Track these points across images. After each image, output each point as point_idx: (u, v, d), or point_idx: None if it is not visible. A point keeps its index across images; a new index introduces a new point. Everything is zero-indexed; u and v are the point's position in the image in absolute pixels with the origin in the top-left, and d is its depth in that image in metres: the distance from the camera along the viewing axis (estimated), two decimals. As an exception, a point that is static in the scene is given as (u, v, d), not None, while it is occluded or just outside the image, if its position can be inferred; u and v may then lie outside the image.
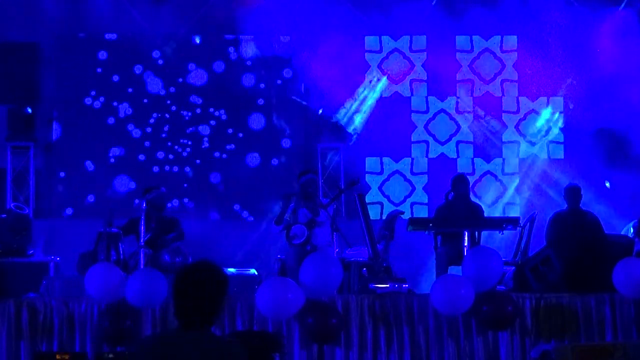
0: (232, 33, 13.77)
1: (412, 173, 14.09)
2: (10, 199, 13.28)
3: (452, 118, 14.14)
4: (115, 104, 13.81)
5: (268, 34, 13.51)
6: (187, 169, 13.85)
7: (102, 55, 13.81)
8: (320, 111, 13.67)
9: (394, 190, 14.04)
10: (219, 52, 13.97)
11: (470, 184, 12.05)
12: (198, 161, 13.88)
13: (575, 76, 13.80)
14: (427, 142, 14.13)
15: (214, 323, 4.46)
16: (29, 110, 13.22)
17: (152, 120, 13.86)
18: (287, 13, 13.24)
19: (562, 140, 14.11)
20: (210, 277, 4.44)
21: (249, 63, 13.87)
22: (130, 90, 13.85)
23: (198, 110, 13.92)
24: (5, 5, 13.38)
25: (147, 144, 13.83)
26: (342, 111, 13.65)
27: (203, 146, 13.90)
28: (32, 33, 13.49)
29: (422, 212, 13.74)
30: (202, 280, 4.42)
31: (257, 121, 13.94)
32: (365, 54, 14.03)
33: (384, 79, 13.93)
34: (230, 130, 13.92)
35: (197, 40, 13.93)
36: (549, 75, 13.84)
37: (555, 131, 13.95)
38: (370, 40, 14.05)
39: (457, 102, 14.02)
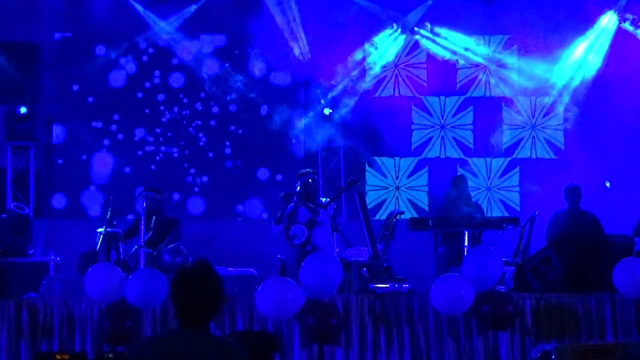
0: (235, 32, 13.75)
1: (412, 173, 14.09)
2: (10, 199, 13.28)
3: (451, 117, 14.16)
4: (115, 103, 13.83)
5: (273, 34, 13.51)
6: (187, 165, 13.87)
7: (102, 55, 13.82)
8: (328, 112, 13.66)
9: (393, 191, 14.04)
10: (223, 50, 13.96)
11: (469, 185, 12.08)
12: (199, 160, 13.88)
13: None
14: (427, 142, 14.14)
15: (211, 322, 4.46)
16: (29, 110, 13.22)
17: (153, 119, 13.87)
18: (290, 13, 13.27)
19: (562, 140, 14.13)
20: (209, 277, 4.43)
21: (253, 64, 13.86)
22: (130, 89, 13.87)
23: (199, 108, 13.93)
24: (5, 5, 13.37)
25: (148, 142, 13.84)
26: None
27: (204, 145, 13.91)
28: (32, 33, 13.49)
29: (422, 213, 13.74)
30: (201, 279, 4.41)
31: (259, 120, 13.95)
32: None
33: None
34: (232, 128, 13.92)
35: (200, 39, 13.93)
36: (550, 74, 13.86)
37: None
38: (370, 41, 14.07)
39: None
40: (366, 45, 13.93)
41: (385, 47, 13.96)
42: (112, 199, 11.13)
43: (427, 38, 13.99)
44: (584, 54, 13.84)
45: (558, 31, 13.63)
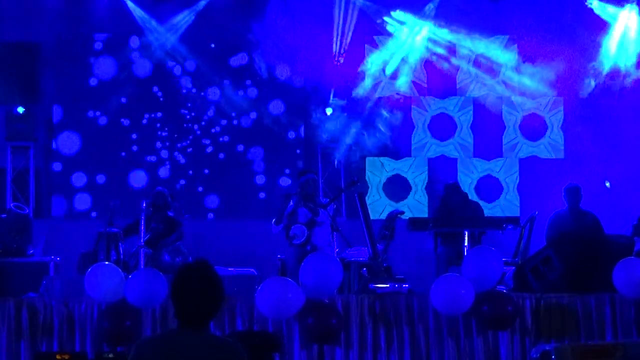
0: (239, 33, 13.74)
1: (412, 173, 14.09)
2: (10, 199, 13.28)
3: (452, 118, 14.16)
4: (115, 103, 13.84)
5: (276, 37, 13.52)
6: (185, 164, 13.88)
7: (102, 55, 13.82)
8: (329, 112, 13.66)
9: (394, 190, 14.05)
10: (225, 51, 13.96)
11: (464, 189, 12.08)
12: (199, 161, 13.89)
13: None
14: (427, 142, 14.14)
15: (211, 322, 4.46)
16: (28, 110, 13.22)
17: (154, 119, 13.87)
18: (293, 16, 13.29)
19: (562, 140, 14.13)
20: (209, 277, 4.43)
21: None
22: (129, 90, 13.88)
23: (200, 109, 13.93)
24: (5, 5, 13.38)
25: (148, 142, 13.85)
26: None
27: (204, 145, 13.91)
28: (32, 33, 13.50)
29: (422, 212, 13.74)
30: (201, 279, 4.41)
31: (260, 121, 13.96)
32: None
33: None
34: (233, 129, 13.93)
35: (201, 41, 13.94)
36: (551, 74, 13.85)
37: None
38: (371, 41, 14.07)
39: None
40: (371, 46, 13.95)
41: (388, 48, 13.96)
42: (112, 200, 11.14)
43: (429, 38, 13.99)
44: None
45: (561, 32, 13.62)
